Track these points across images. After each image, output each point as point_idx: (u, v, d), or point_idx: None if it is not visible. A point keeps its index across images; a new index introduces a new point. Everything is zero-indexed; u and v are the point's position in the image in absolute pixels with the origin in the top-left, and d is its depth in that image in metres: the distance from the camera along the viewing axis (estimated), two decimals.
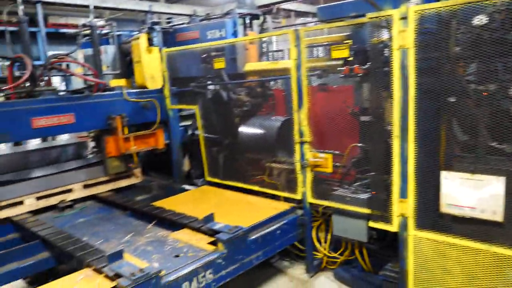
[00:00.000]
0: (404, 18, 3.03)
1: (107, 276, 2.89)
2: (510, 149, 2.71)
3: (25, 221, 4.21)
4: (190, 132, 5.83)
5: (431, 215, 3.12)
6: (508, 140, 2.72)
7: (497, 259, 2.81)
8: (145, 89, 5.52)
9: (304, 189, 4.16)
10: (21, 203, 4.41)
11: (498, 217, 2.78)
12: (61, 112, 4.53)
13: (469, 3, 2.70)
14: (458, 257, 2.97)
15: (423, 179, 3.13)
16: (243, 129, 5.01)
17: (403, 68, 3.09)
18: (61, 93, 5.04)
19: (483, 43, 2.68)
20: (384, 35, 3.34)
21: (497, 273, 2.83)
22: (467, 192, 2.88)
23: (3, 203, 4.26)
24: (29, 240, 4.00)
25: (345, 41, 3.89)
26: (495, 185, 2.76)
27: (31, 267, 3.74)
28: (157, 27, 6.34)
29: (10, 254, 3.73)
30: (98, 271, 2.98)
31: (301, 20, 14.13)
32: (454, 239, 2.98)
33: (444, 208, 3.00)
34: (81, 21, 7.52)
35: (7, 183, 4.33)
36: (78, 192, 4.90)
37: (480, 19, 2.65)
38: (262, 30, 6.91)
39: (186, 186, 5.48)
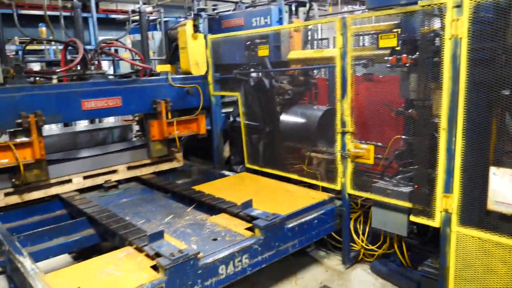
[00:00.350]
0: (458, 6, 2.89)
1: (147, 255, 3.00)
2: None
3: (72, 199, 4.43)
4: (231, 119, 5.89)
5: (476, 212, 3.00)
6: None
7: None
8: (189, 75, 5.61)
9: (344, 180, 4.11)
10: (69, 181, 4.65)
11: None
12: (109, 95, 4.70)
13: None
14: (504, 257, 2.84)
15: (470, 174, 3.01)
16: (285, 117, 4.98)
17: (455, 58, 2.95)
18: (110, 77, 5.21)
19: None
20: (436, 24, 3.21)
21: None
22: None
23: (53, 181, 4.49)
24: (76, 217, 4.24)
25: (393, 30, 3.77)
26: None
27: (77, 243, 3.95)
28: (203, 14, 6.41)
29: (58, 229, 3.96)
30: (139, 249, 3.10)
31: (348, 8, 13.79)
32: (500, 238, 2.85)
33: (492, 206, 2.87)
34: (130, 7, 7.72)
35: (57, 162, 4.56)
36: (122, 173, 5.09)
37: None
38: (308, 17, 6.81)
39: (226, 172, 5.57)
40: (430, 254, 3.66)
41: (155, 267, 2.86)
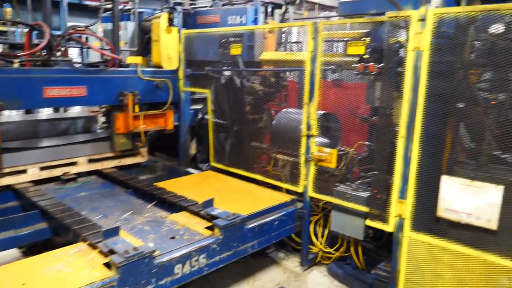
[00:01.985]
0: (422, 20, 2.98)
1: (101, 252, 2.92)
2: None
3: (26, 190, 4.24)
4: (200, 116, 5.85)
5: (427, 218, 3.11)
6: (511, 150, 2.67)
7: (488, 266, 2.80)
8: (160, 69, 5.53)
9: (306, 183, 4.15)
10: (24, 171, 4.43)
11: (493, 225, 2.76)
12: (74, 84, 4.54)
13: (488, 10, 2.64)
14: (451, 262, 2.96)
15: (423, 181, 3.11)
16: (277, 122, 4.82)
17: (416, 69, 3.04)
18: (76, 65, 5.06)
19: (498, 52, 2.61)
20: (401, 35, 3.29)
21: (487, 280, 2.82)
22: (465, 198, 2.86)
23: (6, 170, 4.27)
24: (29, 210, 4.02)
25: (363, 38, 3.84)
26: (493, 193, 2.73)
27: (28, 237, 3.77)
28: (178, 8, 6.34)
29: (8, 222, 3.75)
30: (93, 246, 3.01)
31: (325, 13, 13.91)
32: (448, 244, 2.97)
33: (441, 213, 2.98)
34: None
35: (13, 150, 4.35)
36: (83, 165, 4.93)
37: (497, 28, 2.58)
38: (283, 20, 6.85)
39: (191, 170, 5.53)
40: (384, 258, 3.75)
41: (108, 265, 2.79)
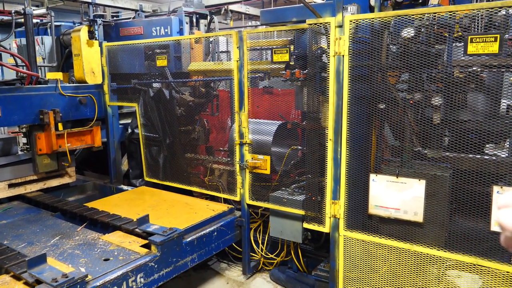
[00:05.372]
0: (340, 26, 3.12)
1: (26, 283, 2.71)
2: (432, 154, 2.87)
3: None
4: (129, 130, 5.65)
5: (360, 216, 3.24)
6: (430, 145, 2.88)
7: (418, 257, 2.98)
8: (83, 84, 5.28)
9: (243, 191, 4.16)
10: None
11: (419, 218, 2.94)
12: None
13: (398, 16, 2.83)
14: (384, 257, 3.10)
15: (354, 181, 3.24)
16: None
17: (338, 74, 3.17)
18: None
19: (410, 54, 2.81)
20: (323, 42, 3.42)
21: (417, 270, 2.99)
22: (392, 194, 3.02)
23: None
24: None
25: (287, 46, 3.94)
26: (417, 187, 2.91)
27: None
28: (98, 20, 6.10)
29: None
30: (17, 277, 2.79)
31: (253, 23, 14.17)
32: (380, 239, 3.11)
33: (372, 210, 3.12)
34: (19, 8, 7.08)
35: None
36: (3, 191, 4.56)
37: (408, 32, 2.78)
38: (209, 30, 6.86)
39: (124, 187, 5.32)
40: (323, 259, 3.85)
41: None
